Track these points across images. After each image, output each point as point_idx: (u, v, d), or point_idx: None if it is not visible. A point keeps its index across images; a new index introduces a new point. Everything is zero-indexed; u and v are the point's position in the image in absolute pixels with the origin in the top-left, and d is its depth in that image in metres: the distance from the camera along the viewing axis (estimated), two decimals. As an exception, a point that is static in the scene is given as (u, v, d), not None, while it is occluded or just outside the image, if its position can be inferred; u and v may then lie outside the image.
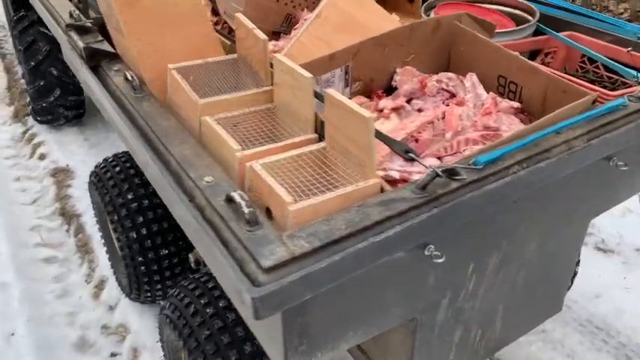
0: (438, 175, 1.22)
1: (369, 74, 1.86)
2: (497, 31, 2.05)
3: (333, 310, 1.29)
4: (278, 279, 1.03)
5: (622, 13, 5.60)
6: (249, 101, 1.59)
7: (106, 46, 1.90)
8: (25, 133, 4.57)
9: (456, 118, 1.60)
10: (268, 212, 1.30)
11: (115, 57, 1.87)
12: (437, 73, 1.99)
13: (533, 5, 2.26)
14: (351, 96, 1.86)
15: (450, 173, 1.27)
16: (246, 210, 1.12)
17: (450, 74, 1.85)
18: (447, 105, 1.71)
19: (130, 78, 1.66)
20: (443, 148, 1.55)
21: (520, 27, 2.10)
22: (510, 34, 2.08)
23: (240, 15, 1.66)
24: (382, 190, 1.32)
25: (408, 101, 1.76)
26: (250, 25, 1.61)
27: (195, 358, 1.83)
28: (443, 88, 1.80)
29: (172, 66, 1.66)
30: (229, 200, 1.17)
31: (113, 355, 2.68)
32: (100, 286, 3.06)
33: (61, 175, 3.97)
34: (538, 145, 1.40)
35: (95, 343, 2.74)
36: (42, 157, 4.23)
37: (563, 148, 1.40)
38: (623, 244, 3.18)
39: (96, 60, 1.83)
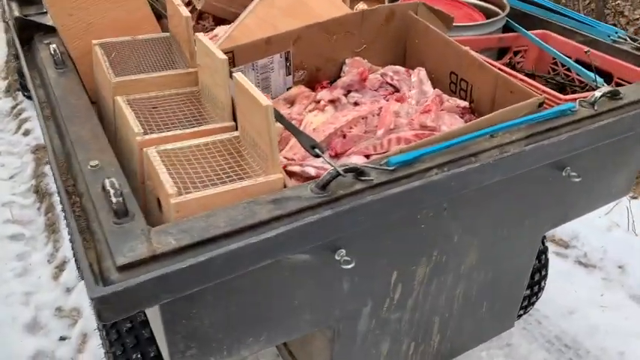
0: (339, 174, 1.11)
1: (315, 63, 1.74)
2: (460, 24, 1.92)
3: (225, 313, 1.19)
4: (130, 278, 0.93)
5: (638, 19, 5.37)
6: (171, 83, 1.49)
7: (45, 19, 1.82)
8: (14, 107, 4.54)
9: (390, 115, 1.47)
10: (160, 204, 1.20)
11: (50, 30, 1.78)
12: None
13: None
14: (295, 85, 1.75)
15: (358, 173, 1.15)
16: (114, 200, 1.03)
17: (398, 68, 1.73)
18: (388, 100, 1.59)
19: (52, 52, 1.57)
20: (372, 146, 1.43)
21: (486, 21, 1.96)
22: (475, 29, 1.94)
23: (169, -10, 1.55)
24: (288, 187, 1.21)
25: (347, 94, 1.64)
26: (177, 1, 1.51)
27: (116, 351, 1.75)
28: (387, 82, 1.67)
29: (96, 41, 1.57)
30: (103, 188, 1.07)
31: (62, 338, 2.61)
32: (61, 267, 3.00)
33: (42, 152, 3.92)
34: (466, 149, 1.27)
35: (46, 325, 2.68)
36: (26, 132, 4.19)
37: (494, 153, 1.28)
38: (606, 259, 3.02)
39: (28, 32, 1.75)
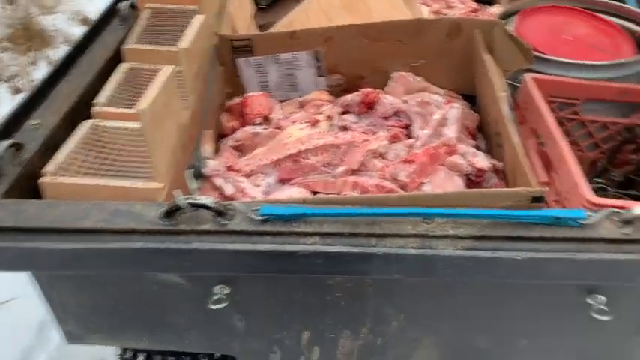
0: (179, 207, 0.97)
1: (356, 69, 1.50)
2: (572, 61, 1.41)
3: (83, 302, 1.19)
4: None
5: None
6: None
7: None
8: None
9: (360, 154, 1.20)
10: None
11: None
12: (458, 92, 1.51)
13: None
14: (331, 88, 1.54)
15: (217, 212, 0.99)
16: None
17: (437, 97, 1.38)
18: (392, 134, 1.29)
19: (120, 7, 1.68)
20: (323, 183, 1.20)
21: (613, 61, 1.39)
22: (596, 69, 1.40)
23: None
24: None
25: (344, 113, 1.39)
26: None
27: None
28: (407, 112, 1.35)
29: (149, 5, 1.62)
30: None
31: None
32: None
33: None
34: (374, 225, 0.98)
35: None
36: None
37: (409, 243, 0.96)
38: None
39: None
